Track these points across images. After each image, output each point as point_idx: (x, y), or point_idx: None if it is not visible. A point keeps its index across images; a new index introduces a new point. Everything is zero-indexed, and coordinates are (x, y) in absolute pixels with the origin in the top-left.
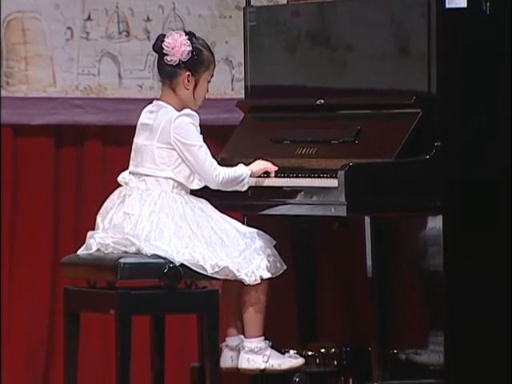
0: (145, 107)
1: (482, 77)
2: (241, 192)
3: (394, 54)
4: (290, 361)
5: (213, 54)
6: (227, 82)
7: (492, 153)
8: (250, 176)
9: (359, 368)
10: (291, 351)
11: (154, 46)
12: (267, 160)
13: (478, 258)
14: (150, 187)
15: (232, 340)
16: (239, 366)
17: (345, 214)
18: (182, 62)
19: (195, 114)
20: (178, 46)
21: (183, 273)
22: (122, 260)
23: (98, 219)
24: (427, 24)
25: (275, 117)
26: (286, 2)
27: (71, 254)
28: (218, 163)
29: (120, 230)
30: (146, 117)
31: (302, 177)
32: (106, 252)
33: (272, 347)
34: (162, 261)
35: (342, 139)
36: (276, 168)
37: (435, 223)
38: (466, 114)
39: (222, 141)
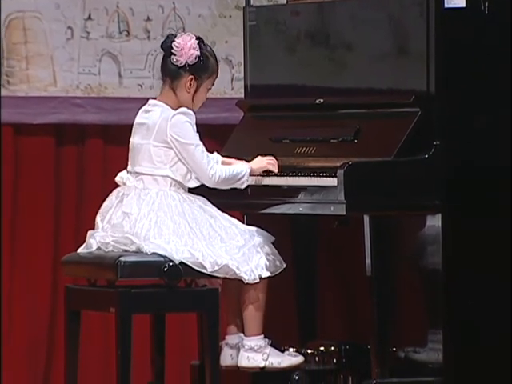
0: (141, 107)
1: (480, 76)
2: (240, 190)
3: (393, 54)
4: (290, 359)
5: (218, 65)
6: (227, 81)
7: (491, 152)
8: (250, 174)
9: (358, 366)
10: (291, 349)
11: (162, 44)
12: (268, 155)
13: (476, 257)
14: (147, 186)
15: (232, 338)
16: (239, 364)
17: (344, 213)
18: (188, 64)
19: (191, 112)
20: (187, 49)
21: (183, 271)
22: (122, 258)
23: (98, 219)
24: (426, 24)
25: (275, 116)
26: (285, 1)
27: (72, 253)
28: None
29: (119, 230)
30: (141, 116)
31: (301, 176)
32: (107, 250)
33: (271, 345)
34: (162, 259)
35: (342, 138)
36: (276, 166)
37: (434, 222)
38: (464, 113)
39: (221, 140)
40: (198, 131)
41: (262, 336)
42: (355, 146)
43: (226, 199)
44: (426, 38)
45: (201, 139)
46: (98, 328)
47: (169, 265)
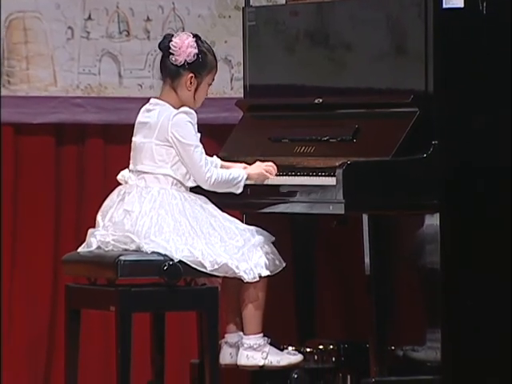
0: (142, 106)
1: (478, 76)
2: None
3: (392, 54)
4: (289, 357)
5: (216, 60)
6: (226, 81)
7: (489, 152)
8: (247, 179)
9: (357, 364)
10: (290, 348)
11: (160, 44)
12: (266, 160)
13: (474, 256)
14: (149, 184)
15: (231, 337)
16: (238, 363)
17: (343, 212)
18: (187, 63)
19: (193, 112)
20: (184, 47)
21: (183, 270)
22: (122, 257)
23: (98, 218)
24: (424, 24)
25: (274, 116)
26: (284, 1)
27: (72, 252)
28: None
29: (120, 228)
30: (143, 115)
31: (300, 175)
32: (107, 249)
33: (271, 344)
34: (162, 258)
35: (340, 138)
36: (275, 172)
37: (432, 221)
38: (462, 112)
39: (221, 139)
40: (199, 131)
41: (262, 335)
42: (354, 145)
43: (225, 199)
44: (425, 38)
45: (202, 139)
46: (98, 327)
47: (168, 264)
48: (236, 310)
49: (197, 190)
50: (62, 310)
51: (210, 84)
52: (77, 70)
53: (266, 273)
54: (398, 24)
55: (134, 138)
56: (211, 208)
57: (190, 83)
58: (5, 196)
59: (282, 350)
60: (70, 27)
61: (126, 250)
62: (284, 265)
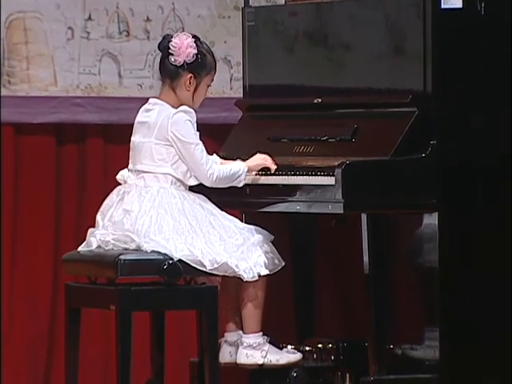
0: (142, 106)
1: (477, 76)
2: (239, 189)
3: (390, 54)
4: (288, 356)
5: (215, 61)
6: (226, 81)
7: (487, 151)
8: (247, 172)
9: (356, 363)
10: (289, 346)
11: (159, 45)
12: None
13: (471, 255)
14: (148, 184)
15: (231, 335)
16: (238, 361)
17: (342, 212)
18: (187, 63)
19: (192, 111)
20: (184, 48)
21: (182, 269)
22: (122, 257)
23: (98, 218)
24: (423, 24)
25: (273, 115)
26: (283, 2)
27: (72, 251)
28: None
29: (120, 227)
30: (142, 115)
31: (299, 175)
32: (107, 249)
33: (270, 342)
34: (162, 257)
35: (339, 137)
36: (274, 164)
37: (431, 220)
38: (460, 112)
39: (220, 139)
40: (198, 130)
41: (261, 333)
42: (353, 145)
43: (225, 198)
44: (423, 38)
45: (200, 138)
46: (98, 326)
47: (168, 263)
48: (235, 308)
49: (196, 189)
50: (62, 310)
51: (209, 85)
52: (77, 70)
53: (265, 272)
54: (396, 24)
55: (132, 138)
56: (210, 207)
57: (190, 83)
58: (5, 196)
59: (281, 348)
60: (70, 27)
61: (126, 249)
62: (283, 264)
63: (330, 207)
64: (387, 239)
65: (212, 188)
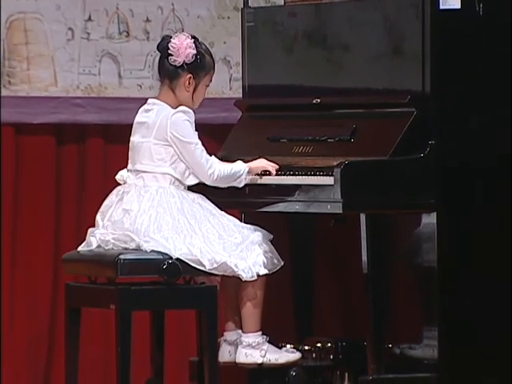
0: (141, 106)
1: (475, 77)
2: (238, 189)
3: (389, 54)
4: (287, 355)
5: (214, 61)
6: (225, 81)
7: (486, 151)
8: (248, 173)
9: (355, 362)
10: (288, 346)
11: (158, 45)
12: (267, 159)
13: (470, 255)
14: (147, 183)
15: (230, 335)
16: (237, 361)
17: (340, 212)
18: (186, 64)
19: (191, 111)
20: (183, 48)
21: (182, 269)
22: (122, 256)
23: (98, 218)
24: (421, 24)
25: (272, 116)
26: (283, 3)
27: (72, 251)
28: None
29: (120, 227)
30: (141, 115)
31: (298, 174)
32: (107, 248)
33: (269, 342)
34: (161, 257)
35: (338, 138)
36: (277, 167)
37: (429, 220)
38: (459, 113)
39: (220, 139)
40: (196, 130)
41: (260, 333)
42: (352, 145)
43: (224, 198)
44: (422, 39)
45: (199, 138)
46: (98, 325)
47: (168, 262)
48: (235, 308)
49: (195, 188)
50: (62, 309)
51: (208, 85)
52: (77, 71)
53: (264, 271)
54: (395, 25)
55: (132, 138)
56: (209, 206)
57: (189, 84)
58: (5, 196)
59: (280, 347)
60: (70, 28)
61: (125, 248)
62: (282, 263)
63: (328, 207)
64: (386, 239)
65: (211, 187)
